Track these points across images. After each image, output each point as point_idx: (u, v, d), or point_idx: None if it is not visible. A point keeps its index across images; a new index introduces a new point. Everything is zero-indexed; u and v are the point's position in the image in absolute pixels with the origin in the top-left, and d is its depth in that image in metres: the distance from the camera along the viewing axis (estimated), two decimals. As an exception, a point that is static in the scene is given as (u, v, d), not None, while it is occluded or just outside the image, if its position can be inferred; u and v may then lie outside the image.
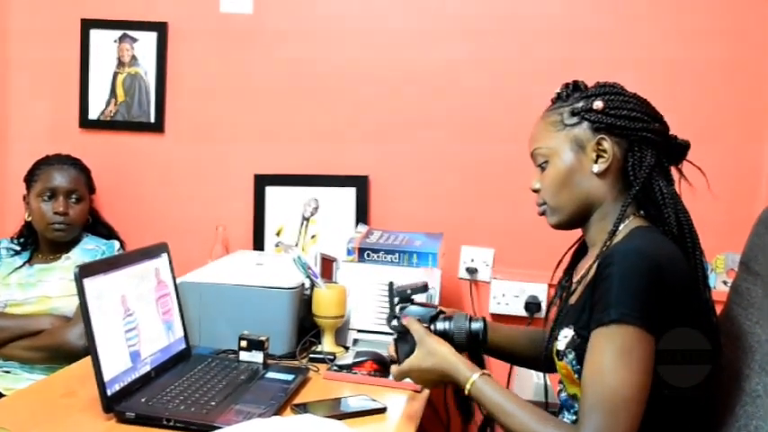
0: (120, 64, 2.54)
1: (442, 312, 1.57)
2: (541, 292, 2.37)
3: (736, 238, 2.19)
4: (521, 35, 2.37)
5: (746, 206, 2.26)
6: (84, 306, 1.45)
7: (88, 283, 1.47)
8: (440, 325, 1.53)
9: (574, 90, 1.49)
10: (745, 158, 2.30)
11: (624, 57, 2.31)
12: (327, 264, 2.04)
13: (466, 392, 1.39)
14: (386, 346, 1.87)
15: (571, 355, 1.36)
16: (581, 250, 1.58)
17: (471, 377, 1.38)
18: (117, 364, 1.52)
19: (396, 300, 1.58)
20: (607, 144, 1.41)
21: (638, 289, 1.24)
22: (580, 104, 1.44)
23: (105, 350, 1.48)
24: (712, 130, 2.28)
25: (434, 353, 1.46)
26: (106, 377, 1.47)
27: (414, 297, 1.59)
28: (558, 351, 1.41)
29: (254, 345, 1.78)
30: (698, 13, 2.29)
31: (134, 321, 1.60)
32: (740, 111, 2.30)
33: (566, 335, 1.39)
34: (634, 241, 1.34)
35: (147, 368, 1.62)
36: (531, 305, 2.36)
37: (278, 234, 2.48)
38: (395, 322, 1.55)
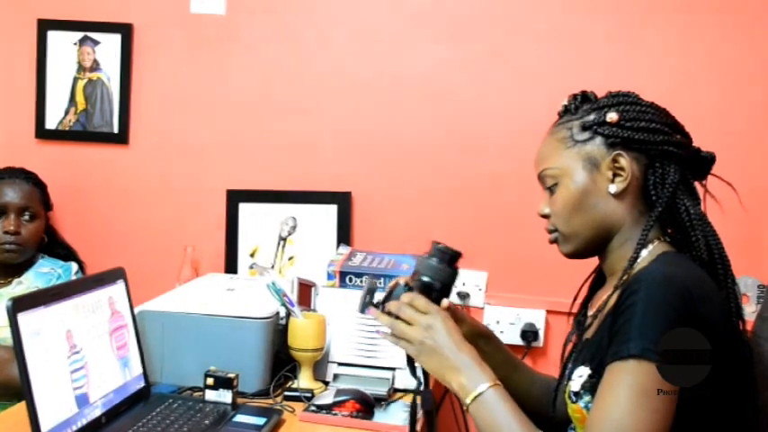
0: (81, 69, 2.43)
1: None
2: (539, 318, 2.24)
3: (751, 259, 2.11)
4: (517, 38, 2.26)
5: (761, 226, 2.15)
6: (18, 345, 1.27)
7: (23, 318, 1.29)
8: (414, 283, 1.36)
9: (583, 101, 1.36)
10: (761, 173, 2.17)
11: (635, 60, 2.19)
12: (305, 289, 1.91)
13: (464, 407, 1.24)
14: (371, 381, 1.77)
15: (587, 397, 1.22)
16: (598, 280, 1.45)
17: (475, 390, 1.23)
18: (59, 411, 1.34)
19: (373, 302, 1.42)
20: (624, 161, 1.28)
21: (665, 320, 1.11)
22: (591, 117, 1.32)
23: (45, 395, 1.30)
24: (725, 142, 2.11)
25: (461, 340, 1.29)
26: (45, 427, 1.29)
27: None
28: (571, 392, 1.27)
29: (222, 382, 1.63)
30: (721, 10, 2.16)
31: (82, 360, 1.43)
32: (759, 121, 2.17)
33: (581, 374, 1.25)
34: (662, 266, 1.21)
35: (98, 413, 1.45)
36: (528, 333, 2.23)
37: (252, 255, 2.39)
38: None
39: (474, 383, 1.23)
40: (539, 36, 2.24)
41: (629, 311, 1.13)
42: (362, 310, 1.40)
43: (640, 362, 1.09)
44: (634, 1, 2.18)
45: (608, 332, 1.18)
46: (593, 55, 2.21)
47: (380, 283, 1.92)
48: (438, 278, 1.34)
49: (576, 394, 1.24)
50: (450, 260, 1.36)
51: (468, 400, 1.22)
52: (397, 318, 1.31)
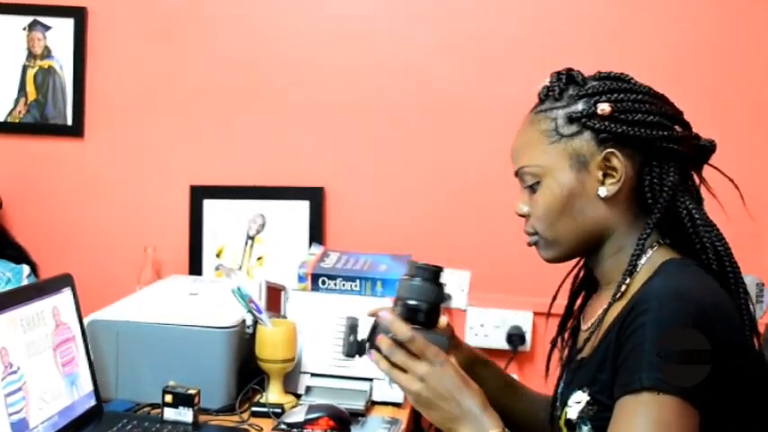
0: (31, 56, 2.32)
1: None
2: (526, 321, 2.18)
3: (748, 257, 2.01)
4: (503, 20, 2.21)
5: (759, 221, 2.03)
6: (-62, 369, 1.12)
7: (-55, 337, 1.14)
8: (398, 310, 1.24)
9: (568, 83, 1.21)
10: (757, 164, 2.12)
11: (624, 42, 2.15)
12: (274, 293, 1.81)
13: None
14: (347, 393, 1.69)
15: (586, 427, 1.12)
16: (591, 286, 1.32)
17: None
18: (-9, 441, 1.21)
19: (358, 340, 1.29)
20: (617, 160, 1.16)
21: None
22: (580, 107, 1.18)
23: (-27, 424, 1.17)
24: (717, 131, 2.06)
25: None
26: (-27, 461, 1.15)
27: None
28: (568, 420, 1.15)
29: (182, 399, 1.52)
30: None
31: (19, 381, 1.30)
32: (752, 110, 2.13)
33: (578, 400, 1.14)
34: (670, 280, 1.10)
35: (39, 439, 1.33)
36: (515, 337, 2.17)
37: (218, 255, 2.31)
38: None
39: None
40: (531, 16, 2.19)
41: (637, 335, 1.03)
42: (350, 353, 1.25)
43: (654, 395, 0.99)
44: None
45: (609, 355, 1.08)
46: (588, 36, 2.16)
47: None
48: (424, 299, 1.21)
49: (575, 423, 1.13)
50: (433, 277, 1.23)
51: None
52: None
